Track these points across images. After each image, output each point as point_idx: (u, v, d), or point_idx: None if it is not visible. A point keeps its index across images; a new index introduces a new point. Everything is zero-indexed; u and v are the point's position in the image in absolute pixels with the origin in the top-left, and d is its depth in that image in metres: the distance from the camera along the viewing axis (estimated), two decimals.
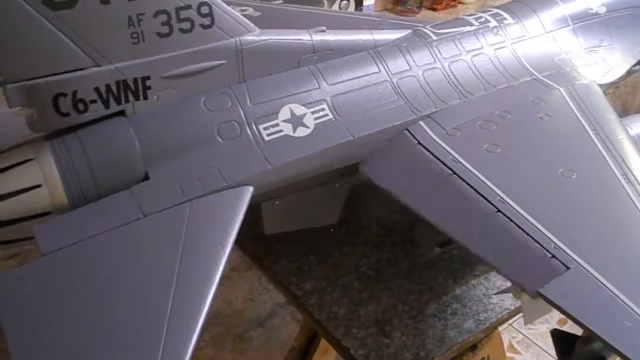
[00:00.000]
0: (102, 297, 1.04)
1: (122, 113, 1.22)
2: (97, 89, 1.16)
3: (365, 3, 3.35)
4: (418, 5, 3.77)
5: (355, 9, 3.26)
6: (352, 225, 1.81)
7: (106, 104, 1.19)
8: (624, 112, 3.32)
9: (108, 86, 1.17)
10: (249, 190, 1.23)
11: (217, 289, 1.06)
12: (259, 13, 1.87)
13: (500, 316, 1.54)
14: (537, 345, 3.21)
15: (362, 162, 1.42)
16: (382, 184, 1.38)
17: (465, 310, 1.56)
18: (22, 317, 1.00)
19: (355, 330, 1.49)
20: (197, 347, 1.00)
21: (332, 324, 1.50)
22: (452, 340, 1.48)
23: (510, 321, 1.75)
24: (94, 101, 1.17)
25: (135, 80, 1.20)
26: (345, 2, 3.18)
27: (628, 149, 1.39)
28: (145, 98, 1.23)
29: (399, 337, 1.48)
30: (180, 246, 1.11)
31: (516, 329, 3.25)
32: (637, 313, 1.01)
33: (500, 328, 1.62)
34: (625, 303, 1.02)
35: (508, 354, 3.09)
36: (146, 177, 1.22)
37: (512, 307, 1.55)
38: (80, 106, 1.16)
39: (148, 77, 1.21)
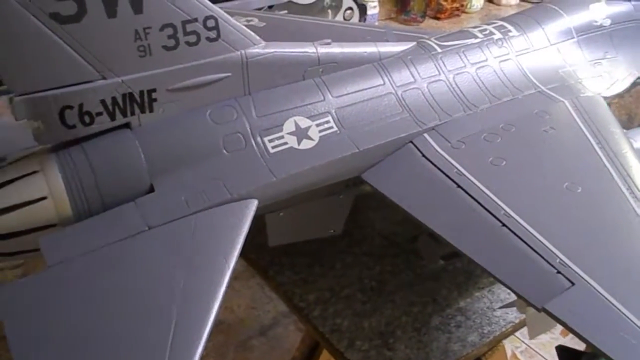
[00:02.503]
0: (106, 309, 1.05)
1: (127, 125, 1.23)
2: (103, 102, 1.17)
3: (369, 12, 3.36)
4: (422, 15, 3.77)
5: (360, 19, 3.27)
6: (355, 236, 1.81)
7: (112, 117, 1.19)
8: (628, 122, 3.31)
9: (114, 99, 1.18)
10: (254, 204, 1.23)
11: (222, 302, 1.07)
12: (264, 24, 1.88)
13: (504, 329, 1.54)
14: (541, 355, 3.20)
15: (368, 173, 1.42)
16: (387, 193, 1.37)
17: (469, 323, 1.55)
18: (26, 328, 1.00)
19: (359, 342, 1.48)
20: None
21: (336, 336, 1.50)
22: (456, 353, 1.47)
23: None
24: (100, 114, 1.18)
25: (141, 93, 1.20)
26: (349, 11, 3.18)
27: (633, 162, 1.39)
28: (151, 111, 1.23)
29: (402, 349, 1.47)
30: (186, 259, 1.11)
31: (519, 339, 3.24)
32: None
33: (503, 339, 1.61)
34: (630, 320, 1.02)
35: None
36: (151, 190, 1.22)
37: (517, 321, 1.55)
38: (87, 118, 1.17)
39: (154, 90, 1.21)
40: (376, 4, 3.40)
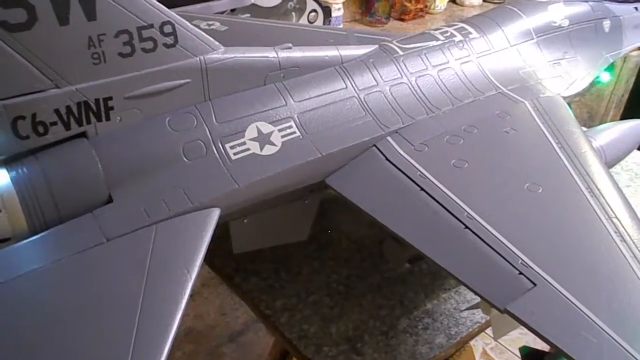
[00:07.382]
0: (64, 324, 1.02)
1: (84, 135, 1.19)
2: (57, 111, 1.14)
3: (333, 14, 3.36)
4: (387, 16, 3.80)
5: (324, 21, 3.26)
6: (321, 240, 1.80)
7: (67, 126, 1.16)
8: (590, 120, 3.38)
9: (68, 108, 1.15)
10: (216, 213, 1.21)
11: (184, 313, 1.05)
12: (226, 27, 1.86)
13: (471, 330, 1.55)
14: (511, 352, 3.23)
15: (332, 178, 1.41)
16: (351, 197, 1.37)
17: (436, 324, 1.56)
18: None
19: (326, 348, 1.48)
20: None
21: (303, 342, 1.49)
22: (423, 356, 1.47)
23: None
24: (54, 123, 1.14)
25: (97, 101, 1.17)
26: (313, 14, 3.18)
27: (592, 161, 1.41)
28: (108, 119, 1.20)
29: (370, 354, 1.47)
30: (146, 271, 1.08)
31: (489, 336, 3.26)
32: (602, 329, 1.01)
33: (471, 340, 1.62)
34: (591, 319, 1.03)
35: None
36: (110, 200, 1.19)
37: (483, 321, 1.56)
38: (40, 129, 1.13)
39: (110, 98, 1.19)
40: (340, 6, 3.40)
